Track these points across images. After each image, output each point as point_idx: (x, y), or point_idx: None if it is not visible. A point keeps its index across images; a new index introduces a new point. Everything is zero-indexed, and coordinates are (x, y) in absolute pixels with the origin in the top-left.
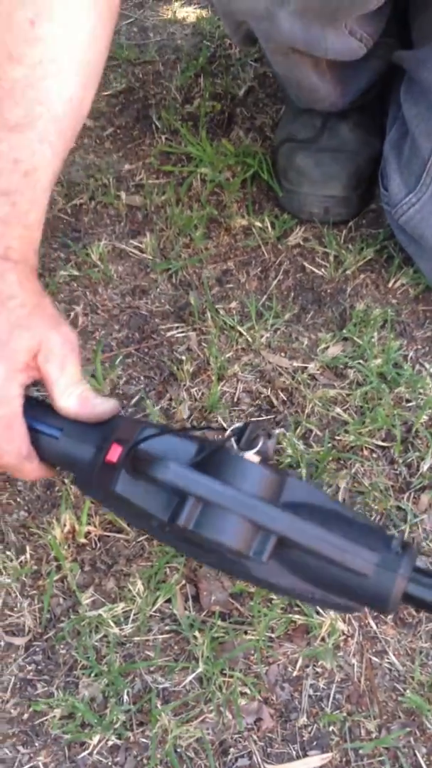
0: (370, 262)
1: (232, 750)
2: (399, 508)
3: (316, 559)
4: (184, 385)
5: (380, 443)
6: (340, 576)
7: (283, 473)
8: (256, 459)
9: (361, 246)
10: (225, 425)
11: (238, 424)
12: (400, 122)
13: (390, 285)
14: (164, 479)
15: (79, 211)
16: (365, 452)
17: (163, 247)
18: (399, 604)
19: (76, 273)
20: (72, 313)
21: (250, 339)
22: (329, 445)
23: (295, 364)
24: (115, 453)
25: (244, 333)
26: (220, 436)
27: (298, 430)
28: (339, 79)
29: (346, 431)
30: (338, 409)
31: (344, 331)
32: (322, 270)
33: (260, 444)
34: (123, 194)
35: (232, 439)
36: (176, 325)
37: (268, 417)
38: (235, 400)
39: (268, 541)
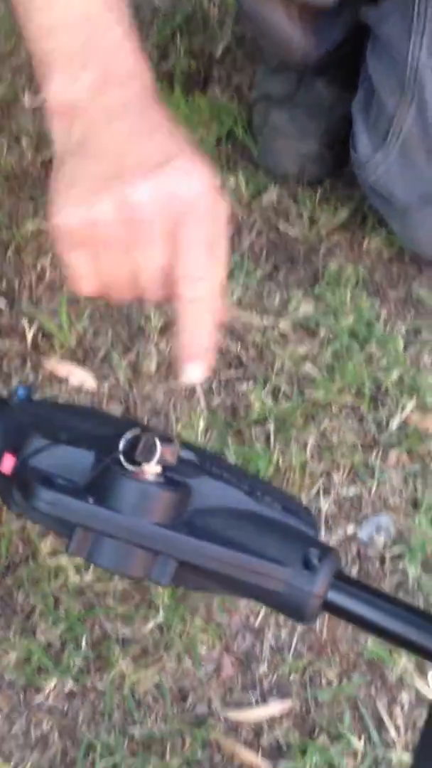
0: (345, 223)
1: (190, 696)
2: (367, 464)
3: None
4: (152, 339)
5: (350, 400)
6: (254, 588)
7: (196, 472)
8: (156, 470)
9: (336, 206)
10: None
11: (131, 433)
12: (367, 81)
13: (364, 246)
14: (39, 509)
15: (48, 167)
16: (334, 409)
17: None
18: (318, 615)
19: (44, 226)
20: (39, 266)
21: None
22: (298, 400)
23: (266, 321)
24: (7, 464)
25: None
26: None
27: (267, 386)
28: (311, 29)
29: (316, 388)
30: (308, 366)
31: (316, 289)
32: (296, 229)
33: (157, 453)
34: None
35: (144, 447)
36: None
37: (237, 371)
38: None
39: (168, 565)
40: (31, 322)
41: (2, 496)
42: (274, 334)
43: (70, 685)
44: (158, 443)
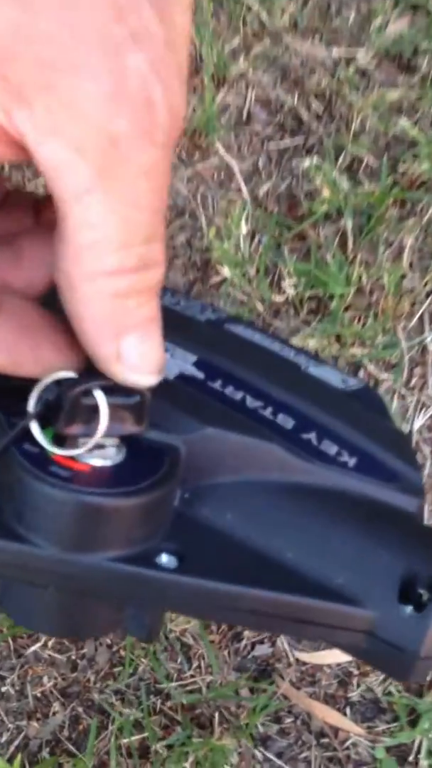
0: None
1: (246, 634)
2: None
3: None
4: None
5: None
6: (314, 638)
7: (193, 420)
8: (112, 443)
9: None
10: (226, 158)
11: (47, 381)
12: None
13: None
14: None
15: None
16: None
17: None
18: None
19: None
20: None
21: (264, 16)
22: (389, 180)
23: (337, 53)
24: None
25: (256, 5)
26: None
27: (340, 159)
28: None
29: (415, 156)
30: (403, 122)
31: None
32: None
33: (101, 424)
34: None
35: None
36: None
37: (294, 139)
38: (244, 115)
39: (143, 618)
40: None
41: None
42: (349, 74)
43: None
44: (103, 402)
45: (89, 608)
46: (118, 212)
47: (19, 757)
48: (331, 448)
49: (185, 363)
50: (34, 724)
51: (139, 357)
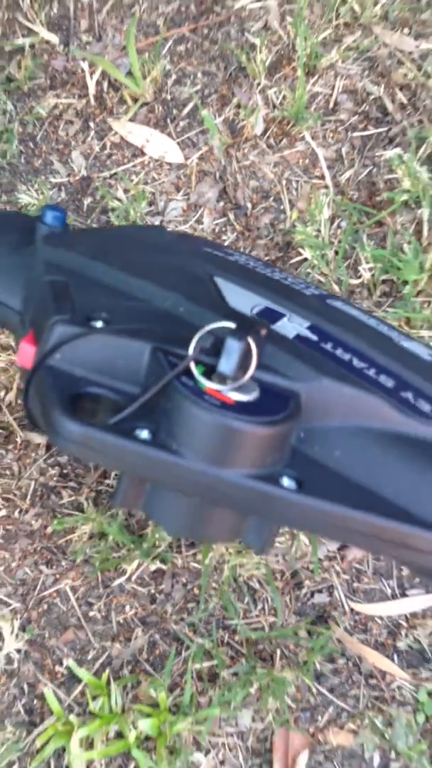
0: None
1: (307, 583)
2: None
3: None
4: (258, 83)
5: None
6: (406, 562)
7: (310, 370)
8: (245, 381)
9: None
10: (312, 145)
11: (208, 329)
12: None
13: None
14: (63, 447)
15: None
16: None
17: None
18: None
19: None
20: None
21: (357, 8)
22: None
23: (425, 45)
24: (26, 354)
25: None
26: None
27: (421, 150)
28: None
29: None
30: None
31: None
32: None
33: (252, 364)
34: None
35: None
36: None
37: (378, 130)
38: (332, 105)
39: (263, 530)
40: (93, 65)
41: (24, 399)
42: None
43: (157, 563)
44: (253, 346)
45: (219, 516)
46: None
47: (106, 672)
48: (425, 407)
49: (301, 327)
50: (117, 645)
51: None
